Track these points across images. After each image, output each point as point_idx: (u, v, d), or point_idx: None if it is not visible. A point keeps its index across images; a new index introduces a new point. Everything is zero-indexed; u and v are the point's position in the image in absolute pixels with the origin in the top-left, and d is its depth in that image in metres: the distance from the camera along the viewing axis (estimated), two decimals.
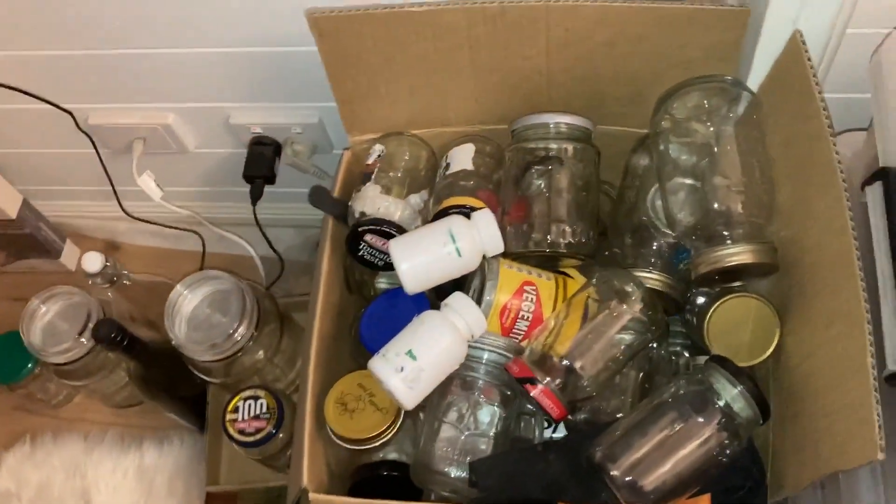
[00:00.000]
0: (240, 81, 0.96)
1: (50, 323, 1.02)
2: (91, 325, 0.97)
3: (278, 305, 0.97)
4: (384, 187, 0.81)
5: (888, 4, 0.68)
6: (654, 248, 0.79)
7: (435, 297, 0.78)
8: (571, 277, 0.80)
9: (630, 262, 0.80)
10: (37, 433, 1.16)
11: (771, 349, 0.70)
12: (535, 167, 0.80)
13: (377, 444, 0.74)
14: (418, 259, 0.75)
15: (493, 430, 0.73)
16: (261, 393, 0.89)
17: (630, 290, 0.72)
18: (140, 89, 0.99)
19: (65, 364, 1.01)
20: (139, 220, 1.13)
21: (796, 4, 0.67)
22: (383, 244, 0.78)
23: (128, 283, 1.00)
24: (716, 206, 0.71)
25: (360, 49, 0.77)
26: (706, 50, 0.74)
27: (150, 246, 1.30)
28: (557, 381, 0.70)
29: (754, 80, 0.75)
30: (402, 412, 0.75)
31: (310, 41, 0.76)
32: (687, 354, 0.79)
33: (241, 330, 0.88)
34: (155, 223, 1.16)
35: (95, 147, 1.05)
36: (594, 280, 0.75)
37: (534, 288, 0.76)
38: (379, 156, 0.83)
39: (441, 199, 0.81)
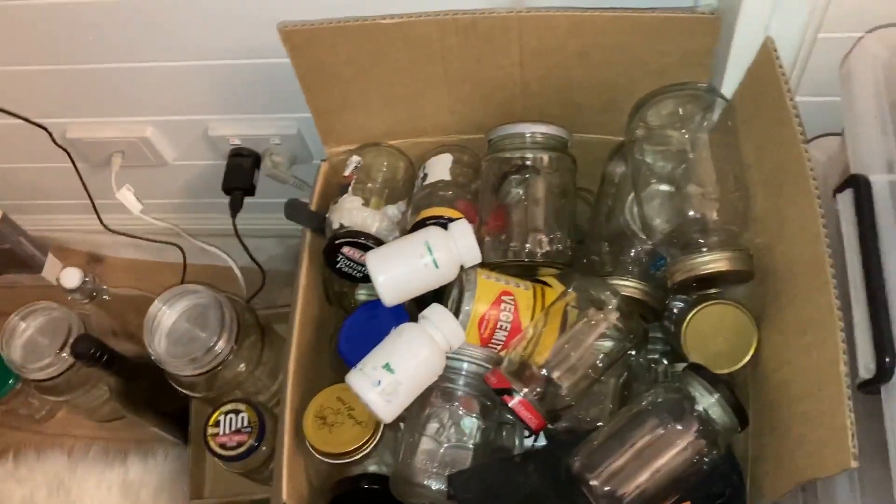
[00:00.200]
0: (217, 93, 0.96)
1: (30, 339, 1.01)
2: (72, 341, 0.96)
3: (258, 318, 0.97)
4: (362, 199, 0.80)
5: (858, 9, 0.68)
6: (632, 255, 0.79)
7: (415, 308, 0.78)
8: (550, 286, 0.80)
9: (608, 269, 0.80)
10: (20, 449, 1.15)
11: (748, 356, 0.70)
12: (512, 177, 0.79)
13: (356, 457, 0.74)
14: (395, 271, 0.74)
15: (473, 441, 0.73)
16: (242, 407, 0.89)
17: (606, 298, 0.72)
18: (118, 103, 0.99)
19: (46, 380, 1.01)
20: (119, 233, 1.13)
21: (767, 11, 0.67)
22: (360, 256, 0.78)
23: (107, 297, 1.00)
24: (691, 213, 0.71)
25: (334, 61, 0.76)
26: (679, 57, 0.74)
27: (132, 258, 1.29)
28: (536, 390, 0.69)
29: (728, 87, 0.75)
30: (382, 425, 0.75)
31: (286, 52, 0.76)
32: (666, 362, 0.78)
33: (221, 343, 0.87)
34: (135, 236, 1.15)
35: (73, 161, 1.04)
36: (571, 289, 0.74)
37: (511, 298, 0.76)
38: (356, 167, 0.83)
39: (419, 209, 0.81)
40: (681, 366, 0.74)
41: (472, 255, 0.75)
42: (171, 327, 0.90)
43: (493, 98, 0.81)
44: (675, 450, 0.65)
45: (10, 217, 1.20)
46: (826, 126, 0.75)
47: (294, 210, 0.79)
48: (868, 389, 0.54)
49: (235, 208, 1.02)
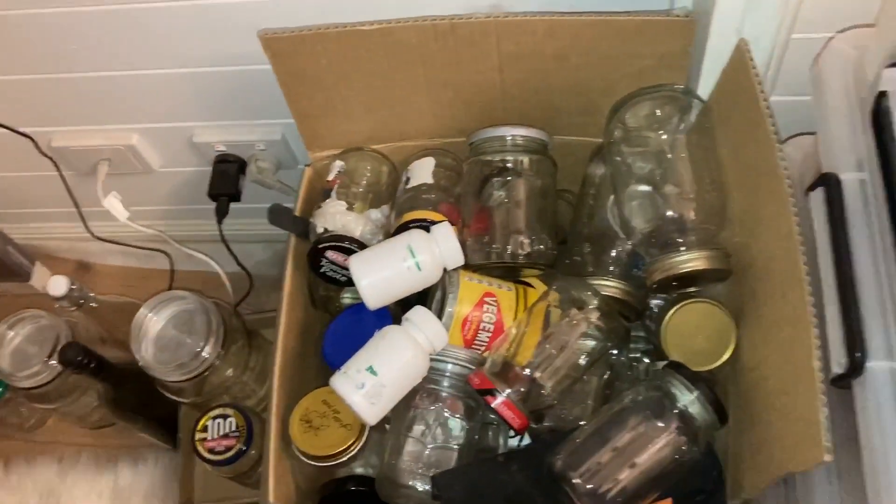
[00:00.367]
0: (202, 100, 0.97)
1: (18, 347, 1.02)
2: (60, 348, 0.97)
3: (245, 323, 0.97)
4: (346, 203, 0.81)
5: (828, 10, 0.69)
6: (613, 255, 0.80)
7: (400, 310, 0.79)
8: (533, 287, 0.80)
9: (590, 269, 0.81)
10: (10, 457, 1.15)
11: (727, 354, 0.71)
12: (493, 179, 0.80)
13: (342, 460, 0.74)
14: (378, 275, 0.75)
15: (458, 442, 0.73)
16: (229, 411, 0.89)
17: (587, 298, 0.73)
18: (102, 111, 1.00)
19: (35, 388, 1.01)
20: (106, 241, 1.13)
21: (739, 13, 0.68)
22: (344, 260, 0.79)
23: (95, 305, 1.00)
24: (669, 213, 0.72)
25: (315, 68, 0.77)
26: (656, 60, 0.75)
27: (120, 265, 1.30)
28: (519, 390, 0.70)
29: (704, 89, 0.76)
30: (367, 428, 0.75)
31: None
32: (647, 360, 0.79)
33: (208, 349, 0.88)
34: (123, 244, 1.16)
35: (59, 170, 1.04)
36: (553, 289, 0.75)
37: (494, 299, 0.76)
38: (339, 172, 0.84)
39: (402, 213, 0.82)
40: (662, 364, 0.75)
41: (455, 257, 0.76)
42: (158, 334, 0.90)
43: (474, 102, 0.82)
44: (655, 447, 0.66)
45: None
46: (802, 125, 0.76)
47: (277, 215, 0.80)
48: (841, 384, 0.55)
49: (221, 214, 1.03)
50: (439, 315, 0.75)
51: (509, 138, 0.80)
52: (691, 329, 0.72)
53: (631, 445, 0.67)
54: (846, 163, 0.58)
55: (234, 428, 0.89)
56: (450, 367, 0.75)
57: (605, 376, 0.77)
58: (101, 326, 1.05)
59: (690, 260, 0.70)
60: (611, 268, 0.80)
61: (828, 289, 0.57)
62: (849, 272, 0.55)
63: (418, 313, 0.73)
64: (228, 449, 0.88)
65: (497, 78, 0.79)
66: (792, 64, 0.75)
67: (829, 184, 0.57)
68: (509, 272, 0.80)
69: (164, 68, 0.91)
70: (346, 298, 0.87)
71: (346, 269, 0.78)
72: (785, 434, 0.61)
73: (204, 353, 0.88)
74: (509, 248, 0.78)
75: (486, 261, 0.78)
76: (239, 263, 1.08)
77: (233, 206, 1.05)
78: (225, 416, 0.89)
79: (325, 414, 0.75)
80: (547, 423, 0.75)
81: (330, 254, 0.79)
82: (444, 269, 0.77)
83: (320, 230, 0.80)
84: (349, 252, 0.78)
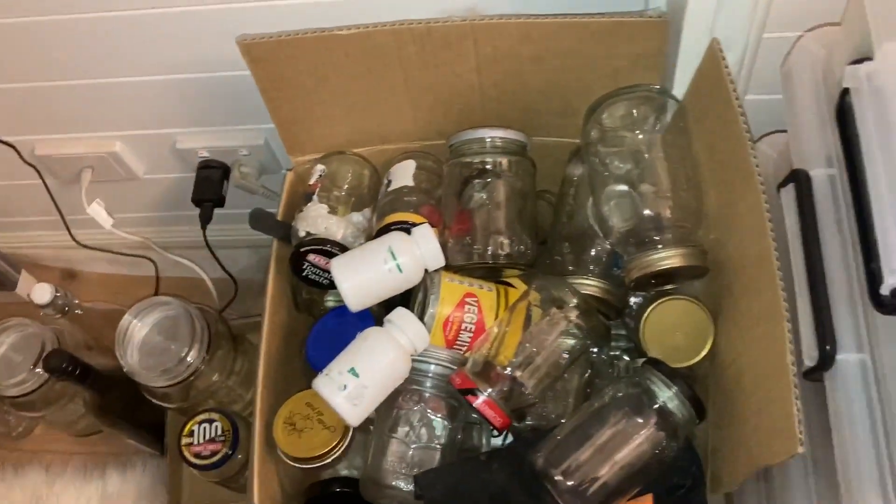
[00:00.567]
0: (184, 107, 0.97)
1: (4, 356, 1.02)
2: (44, 356, 0.97)
3: (230, 327, 0.97)
4: (328, 206, 0.82)
5: (799, 9, 0.70)
6: (593, 254, 0.81)
7: (383, 312, 0.79)
8: (514, 287, 0.81)
9: (570, 269, 0.81)
10: None
11: (705, 350, 0.72)
12: (473, 181, 0.81)
13: (326, 461, 0.75)
14: (360, 277, 0.76)
15: (441, 441, 0.74)
16: (215, 416, 0.89)
17: (567, 297, 0.74)
18: (85, 118, 1.00)
19: (21, 396, 1.01)
20: (91, 248, 1.13)
21: (711, 13, 0.69)
22: (326, 263, 0.79)
23: (80, 312, 1.00)
24: (646, 212, 0.73)
25: (293, 73, 0.78)
26: (631, 60, 0.75)
27: (106, 273, 1.30)
28: (501, 389, 0.71)
29: (679, 88, 0.77)
30: (351, 429, 0.76)
31: None
32: (627, 358, 0.80)
33: (193, 354, 0.88)
34: (108, 251, 1.16)
35: (42, 178, 1.05)
36: (533, 288, 0.76)
37: (475, 299, 0.77)
38: (320, 175, 0.84)
39: (383, 215, 0.83)
40: (642, 361, 0.75)
41: (436, 258, 0.76)
42: (142, 340, 0.91)
43: (454, 104, 0.83)
44: (635, 443, 0.67)
45: None
46: (776, 123, 0.76)
47: (258, 220, 0.81)
48: (812, 377, 0.56)
49: (205, 220, 1.03)
50: (421, 316, 0.76)
51: (488, 140, 0.81)
52: (669, 326, 0.73)
53: (611, 442, 0.68)
54: (816, 159, 0.59)
55: (219, 432, 0.89)
56: (432, 367, 0.76)
57: (586, 375, 0.78)
58: (87, 333, 1.05)
59: (667, 257, 0.71)
60: (591, 267, 0.81)
61: (799, 284, 0.58)
62: (819, 267, 0.56)
63: (400, 315, 0.74)
64: (214, 453, 0.88)
65: (475, 80, 0.79)
66: (765, 63, 0.76)
67: (799, 180, 0.58)
68: (490, 273, 0.81)
69: (146, 75, 0.92)
70: (330, 301, 0.87)
71: (328, 272, 0.79)
72: (761, 427, 0.62)
73: (189, 358, 0.88)
74: (490, 248, 0.78)
75: (467, 262, 0.79)
76: (223, 269, 1.09)
77: (217, 211, 1.05)
78: (211, 421, 0.90)
79: (309, 416, 0.76)
80: (529, 422, 0.75)
81: (312, 257, 0.79)
82: (426, 271, 0.77)
83: (302, 234, 0.80)
84: (331, 255, 0.78)
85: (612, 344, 0.82)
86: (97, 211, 1.08)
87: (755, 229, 0.64)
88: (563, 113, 0.82)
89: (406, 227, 0.79)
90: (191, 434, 0.89)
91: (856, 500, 0.51)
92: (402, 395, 0.75)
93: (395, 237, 0.77)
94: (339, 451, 0.75)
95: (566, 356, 0.73)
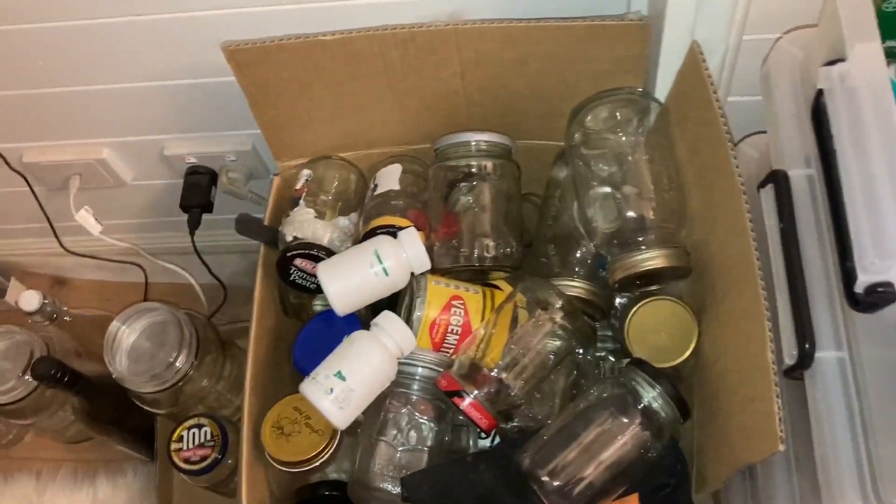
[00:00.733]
0: (171, 113, 0.97)
1: None
2: (32, 363, 0.97)
3: (219, 333, 0.98)
4: (316, 211, 0.82)
5: (778, 11, 0.70)
6: (578, 256, 0.82)
7: (370, 316, 0.80)
8: (500, 289, 0.81)
9: (556, 271, 0.82)
10: None
11: (689, 350, 0.73)
12: (459, 184, 0.81)
13: (314, 465, 0.75)
14: (346, 281, 0.76)
15: (429, 444, 0.74)
16: (204, 421, 0.90)
17: (552, 299, 0.74)
18: (72, 125, 1.00)
19: (11, 403, 1.01)
20: (80, 255, 1.14)
21: (691, 16, 0.69)
22: (313, 267, 0.79)
23: (68, 318, 1.00)
24: (629, 214, 0.74)
25: (278, 78, 0.78)
26: (613, 63, 0.76)
27: (96, 280, 1.30)
28: (487, 391, 0.71)
29: (662, 91, 0.77)
30: (339, 433, 0.76)
31: None
32: (613, 359, 0.80)
33: (181, 359, 0.88)
34: (97, 257, 1.16)
35: (30, 185, 1.05)
36: (518, 290, 0.76)
37: (462, 302, 0.77)
38: (306, 180, 0.85)
39: (369, 219, 0.83)
40: (627, 362, 0.76)
41: (422, 261, 0.77)
42: (131, 346, 0.91)
43: (439, 109, 0.83)
44: (620, 442, 0.67)
45: None
46: (760, 124, 0.77)
47: (245, 225, 0.81)
48: (793, 375, 0.57)
49: (194, 225, 1.03)
50: (408, 319, 0.76)
51: (473, 143, 0.82)
52: (654, 326, 0.74)
53: (596, 442, 0.68)
54: (794, 160, 0.60)
55: (209, 437, 0.89)
56: (419, 370, 0.76)
57: (572, 376, 0.78)
58: (76, 340, 1.05)
59: (650, 258, 0.71)
60: (576, 269, 0.81)
61: (779, 283, 0.58)
62: (798, 266, 0.57)
63: (386, 318, 0.74)
64: (204, 458, 0.88)
65: (459, 84, 0.80)
66: (746, 65, 0.76)
67: (777, 180, 0.59)
68: (477, 275, 0.82)
69: (133, 82, 0.92)
70: (318, 306, 0.87)
71: (315, 276, 0.79)
72: (743, 426, 0.62)
73: (177, 364, 0.88)
74: (476, 251, 0.79)
75: (453, 264, 0.80)
76: (212, 273, 1.09)
77: (207, 217, 1.06)
78: (200, 426, 0.90)
79: (297, 420, 0.76)
80: (515, 423, 0.76)
81: (298, 262, 0.80)
82: (412, 274, 0.78)
83: (289, 238, 0.81)
84: (317, 259, 0.79)
85: (599, 345, 0.83)
86: (85, 218, 1.08)
87: (736, 230, 0.64)
88: (547, 116, 0.82)
89: (392, 231, 0.79)
90: (180, 439, 0.89)
91: (835, 496, 0.52)
92: (389, 397, 0.75)
93: (382, 241, 0.77)
94: (327, 455, 0.75)
95: (552, 357, 0.74)
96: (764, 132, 0.76)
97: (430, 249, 0.79)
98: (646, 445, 0.68)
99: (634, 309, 0.74)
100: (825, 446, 0.53)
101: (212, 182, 1.04)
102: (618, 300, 0.80)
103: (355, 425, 0.75)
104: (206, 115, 0.97)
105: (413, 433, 0.75)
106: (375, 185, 0.86)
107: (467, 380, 0.72)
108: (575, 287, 0.78)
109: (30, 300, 0.94)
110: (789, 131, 0.60)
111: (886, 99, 0.48)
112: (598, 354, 0.81)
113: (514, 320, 0.76)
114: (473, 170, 0.81)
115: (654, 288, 0.76)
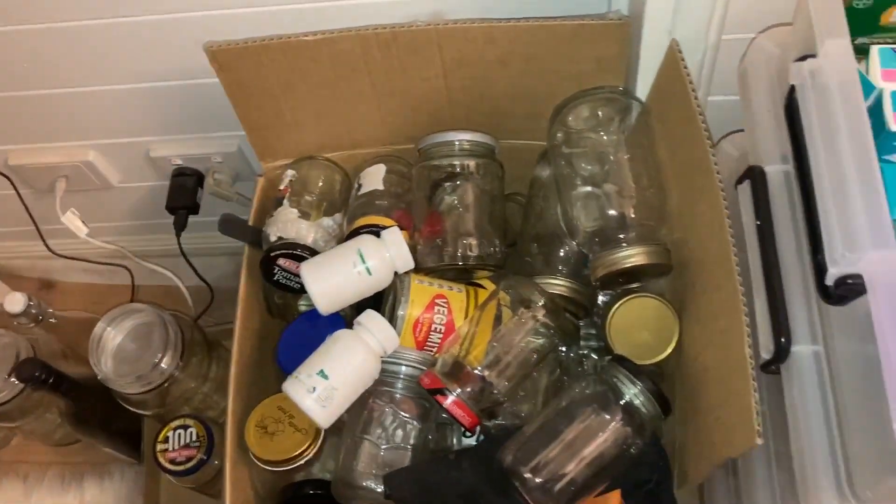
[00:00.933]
0: (156, 115, 0.97)
1: None
2: (17, 364, 0.97)
3: (206, 334, 0.98)
4: (300, 212, 0.82)
5: (756, 10, 0.71)
6: (562, 255, 0.82)
7: (355, 315, 0.80)
8: (484, 288, 0.82)
9: (540, 269, 0.82)
10: None
11: (671, 347, 0.73)
12: (442, 184, 0.82)
13: (299, 464, 0.75)
14: (330, 281, 0.76)
15: (412, 442, 0.75)
16: (190, 422, 0.90)
17: (534, 297, 0.75)
18: (58, 128, 1.00)
19: None
20: (66, 257, 1.14)
21: (669, 15, 0.70)
22: (297, 267, 0.80)
23: (54, 321, 1.00)
24: (610, 212, 0.74)
25: (261, 79, 0.79)
26: (594, 62, 0.77)
27: (83, 282, 1.30)
28: (470, 389, 0.71)
29: (642, 90, 0.78)
30: (323, 432, 0.76)
31: None
32: (596, 357, 0.81)
33: (166, 360, 0.89)
34: (83, 259, 1.16)
35: (16, 188, 1.05)
36: (501, 288, 0.77)
37: (445, 301, 0.78)
38: (290, 180, 0.85)
39: (353, 219, 0.83)
40: (608, 359, 0.76)
41: (405, 261, 0.77)
42: (117, 347, 0.91)
43: (422, 109, 0.84)
44: (601, 439, 0.68)
45: None
46: (740, 123, 0.77)
47: (228, 225, 0.81)
48: (769, 370, 0.57)
49: (180, 227, 1.03)
50: (391, 318, 0.76)
51: (457, 143, 0.82)
52: (635, 324, 0.74)
53: (578, 438, 0.68)
54: (771, 156, 0.60)
55: (194, 438, 0.89)
56: (403, 369, 0.76)
57: (556, 373, 0.78)
58: (63, 343, 1.05)
59: (631, 255, 0.72)
60: (560, 267, 0.82)
61: (756, 278, 0.59)
62: (774, 261, 0.57)
63: (369, 317, 0.75)
64: (189, 459, 0.88)
65: (442, 84, 0.80)
66: (726, 65, 0.77)
67: (754, 177, 0.59)
68: (461, 274, 0.82)
69: (118, 84, 0.92)
70: (303, 306, 0.88)
71: (299, 276, 0.79)
72: (722, 421, 0.63)
73: (162, 365, 0.88)
74: (459, 250, 0.79)
75: (437, 264, 0.80)
76: (198, 275, 1.09)
77: (194, 219, 1.06)
78: (186, 427, 0.90)
79: (281, 419, 0.76)
80: (499, 421, 0.76)
81: (282, 261, 0.80)
82: (396, 273, 0.78)
83: (273, 238, 0.81)
84: (301, 259, 0.79)
85: (583, 343, 0.83)
86: (72, 220, 1.08)
87: (714, 226, 0.65)
88: (530, 116, 0.83)
89: (376, 231, 0.80)
90: (166, 440, 0.89)
91: (810, 488, 0.52)
92: (373, 396, 0.76)
93: (365, 240, 0.78)
94: (311, 454, 0.75)
95: (535, 355, 0.74)
96: (744, 130, 0.77)
97: (413, 249, 0.79)
98: (627, 441, 0.68)
99: (616, 306, 0.74)
100: (801, 439, 0.54)
101: (198, 184, 1.04)
102: (600, 298, 0.81)
103: (340, 424, 0.76)
104: (192, 117, 0.98)
105: (397, 432, 0.75)
106: (359, 186, 0.86)
107: (451, 378, 0.72)
108: (557, 285, 0.78)
109: (15, 302, 0.94)
110: (766, 128, 0.61)
111: (855, 93, 0.49)
112: (581, 352, 0.81)
113: (498, 318, 0.76)
114: (457, 169, 0.82)
115: (635, 285, 0.77)
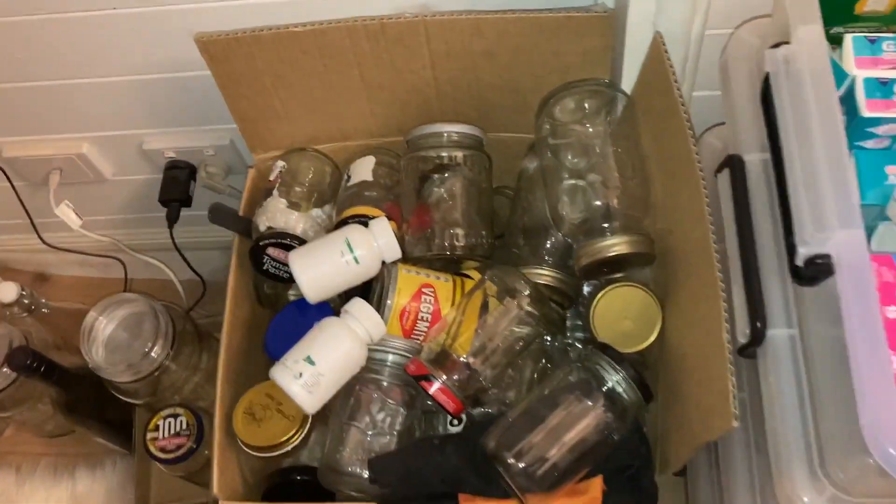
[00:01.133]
0: (149, 107, 0.98)
1: None
2: (8, 353, 0.97)
3: (197, 326, 0.99)
4: (290, 202, 0.83)
5: (739, 5, 0.72)
6: (548, 246, 0.83)
7: (343, 304, 0.81)
8: (471, 279, 0.83)
9: (526, 260, 0.83)
10: None
11: (654, 335, 0.74)
12: (430, 175, 0.83)
13: (286, 450, 0.76)
14: (318, 270, 0.77)
15: (398, 429, 0.75)
16: (180, 411, 0.91)
17: (519, 286, 0.76)
18: (52, 120, 1.01)
19: None
20: (60, 249, 1.14)
21: (652, 8, 0.71)
22: (286, 257, 0.81)
23: (46, 311, 1.01)
24: (595, 202, 0.75)
25: (252, 70, 0.79)
26: (579, 55, 0.78)
27: (77, 276, 1.31)
28: (456, 377, 0.72)
29: (628, 82, 0.79)
30: (310, 419, 0.77)
31: None
32: (580, 346, 0.82)
33: (157, 349, 0.89)
34: (77, 251, 1.17)
35: (10, 180, 1.06)
36: (487, 278, 0.78)
37: (432, 290, 0.78)
38: (280, 171, 0.86)
39: (342, 209, 0.84)
40: (591, 347, 0.77)
41: (392, 250, 0.78)
42: (108, 336, 0.92)
43: (411, 101, 0.85)
44: (583, 424, 0.68)
45: None
46: (724, 116, 0.79)
47: (218, 214, 0.82)
48: (746, 353, 0.58)
49: (172, 219, 1.04)
50: (379, 307, 0.77)
51: (445, 135, 0.83)
52: (618, 312, 0.75)
53: (561, 424, 0.69)
54: (750, 145, 0.61)
55: (184, 427, 0.90)
56: (390, 357, 0.77)
57: (541, 363, 0.79)
58: (56, 334, 1.06)
59: (615, 245, 0.73)
60: (546, 258, 0.82)
61: (733, 264, 0.60)
62: (751, 247, 0.58)
63: (356, 305, 0.75)
64: (179, 447, 0.89)
65: (430, 77, 0.81)
66: (711, 60, 0.78)
67: (733, 165, 0.60)
68: (449, 265, 0.83)
69: (111, 76, 0.93)
70: (293, 296, 0.89)
71: (288, 265, 0.80)
72: (701, 405, 0.64)
73: (153, 354, 0.89)
74: (446, 240, 0.80)
75: (424, 253, 0.81)
76: (191, 267, 1.10)
77: (188, 213, 1.06)
78: (176, 416, 0.91)
79: (268, 406, 0.77)
80: (482, 409, 0.77)
81: (271, 251, 0.81)
82: (384, 263, 0.79)
83: (262, 228, 0.82)
84: (290, 248, 0.80)
85: (570, 335, 0.84)
86: (66, 212, 1.09)
87: (695, 214, 0.65)
88: (517, 108, 0.84)
89: (364, 221, 0.81)
90: (156, 429, 0.90)
91: (783, 468, 0.53)
92: (359, 383, 0.76)
93: (353, 230, 0.79)
94: (298, 440, 0.76)
95: (520, 343, 0.75)
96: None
97: (402, 240, 0.80)
98: (609, 427, 0.69)
99: (600, 295, 0.75)
100: (775, 420, 0.54)
101: (191, 176, 1.05)
102: (585, 288, 0.82)
103: (327, 413, 0.76)
104: (184, 110, 0.98)
105: (383, 418, 0.76)
106: (349, 177, 0.87)
107: (436, 365, 0.73)
108: (543, 275, 0.79)
109: (7, 291, 0.95)
110: (745, 117, 0.62)
111: (826, 78, 0.50)
112: (566, 342, 0.82)
113: (485, 307, 0.77)
114: (445, 160, 0.83)
115: (619, 275, 0.78)
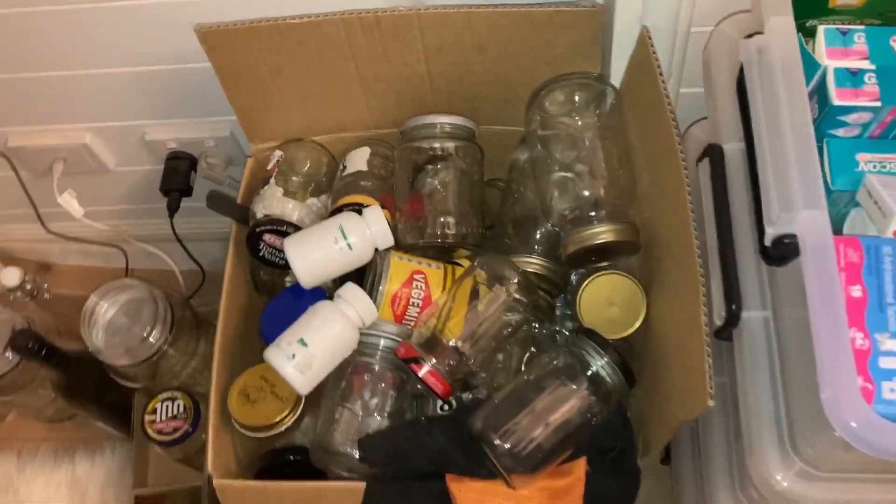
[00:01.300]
0: (152, 99, 1.00)
1: None
2: (11, 336, 1.00)
3: (196, 313, 1.01)
4: (287, 191, 0.85)
5: (723, 4, 0.74)
6: (538, 236, 0.85)
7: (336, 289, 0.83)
8: (462, 267, 0.85)
9: (516, 250, 0.85)
10: None
11: (638, 322, 0.76)
12: (423, 166, 0.85)
13: (279, 430, 0.78)
14: (312, 256, 0.79)
15: (388, 411, 0.77)
16: (177, 394, 0.93)
17: (508, 273, 0.78)
18: (56, 110, 1.03)
19: None
20: (63, 237, 1.16)
21: (640, 3, 0.73)
22: (282, 243, 0.83)
23: (48, 296, 1.03)
24: (584, 192, 0.77)
25: (250, 61, 0.82)
26: (569, 49, 0.79)
27: (80, 265, 1.33)
28: (445, 360, 0.74)
29: (616, 76, 0.81)
30: (303, 400, 0.79)
31: None
32: (568, 333, 0.84)
33: (155, 334, 0.91)
34: (80, 240, 1.19)
35: (15, 170, 1.08)
36: (476, 265, 0.80)
37: (423, 276, 0.80)
38: (277, 160, 0.88)
39: (337, 198, 0.86)
40: (577, 332, 0.79)
41: (385, 237, 0.80)
42: (108, 321, 0.94)
43: (405, 93, 0.87)
44: (567, 406, 0.70)
45: None
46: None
47: (216, 201, 0.84)
48: (723, 336, 0.60)
49: (173, 209, 1.06)
50: (371, 293, 0.79)
51: (438, 126, 0.85)
52: (604, 300, 0.77)
53: (546, 407, 0.71)
54: (730, 134, 0.63)
55: (181, 410, 0.92)
56: (381, 341, 0.79)
57: (529, 349, 0.81)
58: (58, 320, 1.08)
59: (601, 233, 0.75)
60: (536, 248, 0.84)
61: (711, 249, 0.62)
62: (728, 233, 0.60)
63: (348, 289, 0.77)
64: (176, 430, 0.92)
65: (424, 70, 0.83)
66: (697, 58, 0.80)
67: (713, 154, 0.62)
68: (440, 253, 0.85)
69: (113, 67, 0.95)
70: (289, 282, 0.90)
71: (284, 251, 0.82)
72: (681, 388, 0.65)
73: (151, 339, 0.91)
74: (438, 229, 0.82)
75: (417, 241, 0.83)
76: (191, 256, 1.12)
77: (189, 204, 1.08)
78: (173, 399, 0.93)
79: (263, 388, 0.79)
80: (470, 394, 0.79)
81: (268, 237, 0.83)
82: (376, 250, 0.81)
83: (259, 215, 0.84)
84: (285, 235, 0.82)
85: (560, 323, 0.86)
86: (68, 201, 1.11)
87: (677, 202, 0.67)
88: (508, 101, 0.86)
89: (358, 209, 0.83)
90: (154, 412, 0.92)
91: (755, 446, 0.55)
92: (351, 366, 0.78)
93: (347, 217, 0.81)
94: (291, 421, 0.78)
95: (508, 329, 0.77)
96: None
97: (395, 228, 0.82)
98: (592, 410, 0.71)
99: (586, 282, 0.77)
100: (748, 399, 0.56)
101: (191, 167, 1.07)
102: (573, 276, 0.84)
103: (320, 396, 0.78)
104: (186, 101, 1.00)
105: (374, 401, 0.78)
106: (344, 167, 0.89)
107: (427, 349, 0.75)
108: (531, 263, 0.81)
109: (10, 276, 0.97)
110: (725, 108, 0.63)
111: (795, 66, 0.52)
112: (554, 329, 0.84)
113: (475, 293, 0.79)
114: (438, 151, 0.85)
115: (605, 264, 0.80)
